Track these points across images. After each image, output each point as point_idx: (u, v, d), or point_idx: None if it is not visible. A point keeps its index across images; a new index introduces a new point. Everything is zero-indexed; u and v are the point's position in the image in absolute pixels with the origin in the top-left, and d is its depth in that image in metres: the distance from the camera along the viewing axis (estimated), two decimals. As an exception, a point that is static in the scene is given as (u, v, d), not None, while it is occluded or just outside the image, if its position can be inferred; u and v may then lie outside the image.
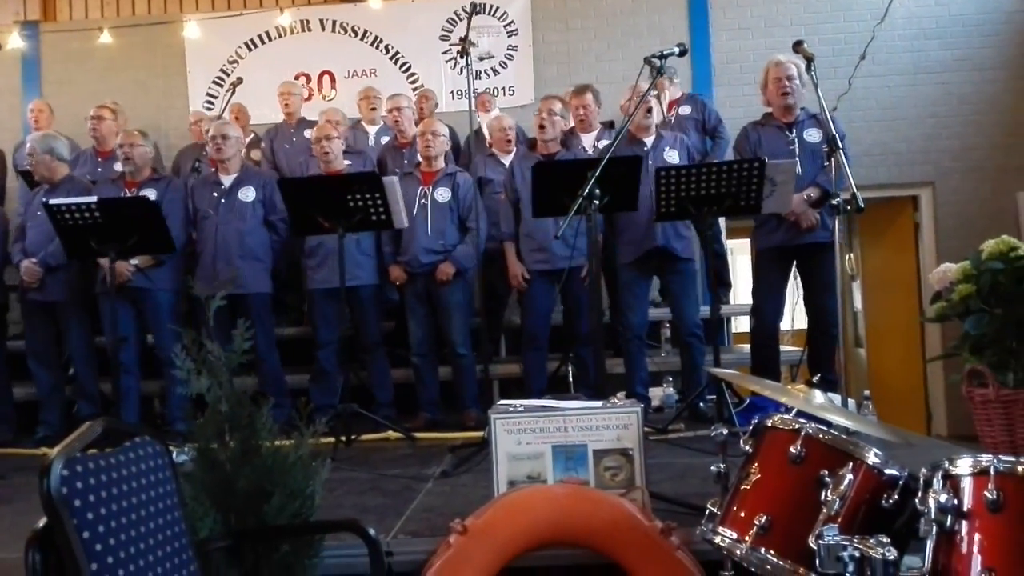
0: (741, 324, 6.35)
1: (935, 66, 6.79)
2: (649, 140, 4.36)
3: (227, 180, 4.49)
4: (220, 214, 4.41)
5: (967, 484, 1.38)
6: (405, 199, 4.32)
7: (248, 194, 4.45)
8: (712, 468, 1.89)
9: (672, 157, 4.30)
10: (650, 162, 4.15)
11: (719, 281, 5.53)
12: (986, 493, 1.34)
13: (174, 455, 1.76)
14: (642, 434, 2.50)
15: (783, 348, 4.59)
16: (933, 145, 6.80)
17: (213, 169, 4.67)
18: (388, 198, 3.79)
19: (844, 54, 6.71)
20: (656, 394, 4.70)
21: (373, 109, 5.64)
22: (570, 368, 4.77)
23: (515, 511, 2.23)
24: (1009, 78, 6.77)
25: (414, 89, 6.51)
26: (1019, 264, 2.85)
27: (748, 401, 4.00)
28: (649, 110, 4.32)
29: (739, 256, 8.40)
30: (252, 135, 5.92)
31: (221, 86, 6.83)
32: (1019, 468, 1.35)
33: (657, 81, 5.56)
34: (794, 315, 4.55)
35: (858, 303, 8.07)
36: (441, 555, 2.14)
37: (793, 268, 4.32)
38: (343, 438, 3.78)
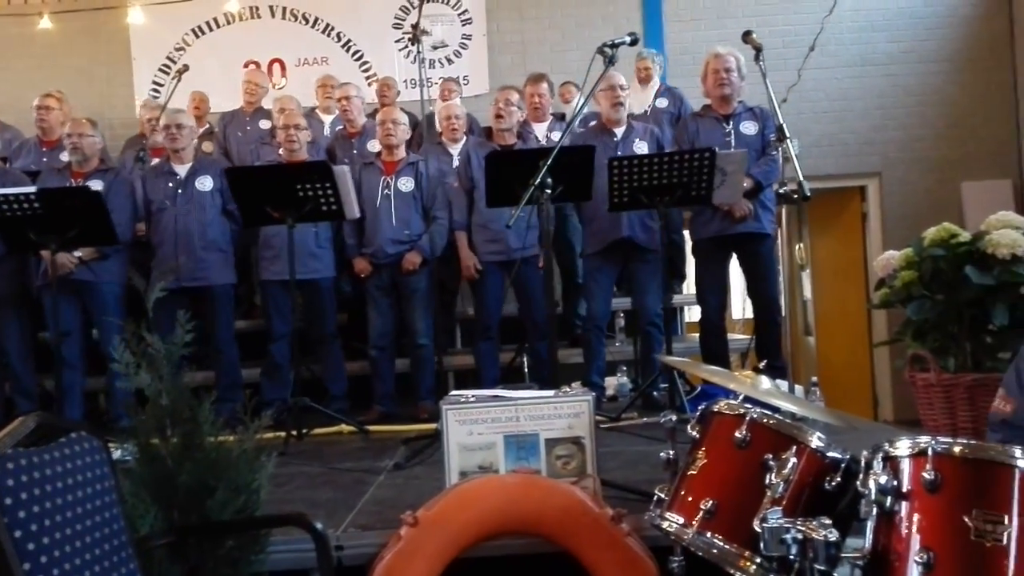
0: (695, 314, 6.43)
1: (882, 58, 6.93)
2: (620, 131, 4.38)
3: (182, 170, 4.38)
4: (178, 205, 4.31)
5: (906, 465, 1.40)
6: (368, 189, 4.28)
7: (206, 183, 4.36)
8: (661, 455, 1.89)
9: (641, 148, 4.32)
10: (619, 153, 4.16)
11: (674, 271, 5.58)
12: (924, 474, 1.36)
13: (114, 451, 1.71)
14: (593, 422, 2.50)
15: (734, 336, 4.66)
16: (880, 136, 6.95)
17: (158, 160, 4.56)
18: (339, 188, 3.73)
19: (794, 46, 6.81)
20: (610, 383, 4.73)
21: (329, 98, 5.56)
22: (525, 359, 4.77)
23: (466, 501, 2.22)
24: (953, 70, 6.94)
25: (367, 78, 6.44)
26: (960, 251, 2.92)
27: (700, 389, 4.05)
28: (620, 103, 4.33)
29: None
30: (207, 126, 5.79)
31: (168, 74, 6.66)
32: (956, 449, 1.38)
33: (647, 67, 5.61)
34: (744, 304, 4.62)
35: (808, 292, 8.22)
36: (392, 547, 2.12)
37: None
38: (294, 432, 3.72)
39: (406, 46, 6.51)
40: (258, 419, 2.03)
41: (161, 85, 6.72)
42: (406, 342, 4.53)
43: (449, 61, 6.82)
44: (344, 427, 4.04)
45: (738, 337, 4.90)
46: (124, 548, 1.63)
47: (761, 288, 4.26)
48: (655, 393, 4.24)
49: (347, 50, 6.85)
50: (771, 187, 4.07)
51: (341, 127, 5.36)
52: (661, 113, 5.51)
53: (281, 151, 4.51)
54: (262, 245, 4.49)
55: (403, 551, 2.09)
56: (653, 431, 3.46)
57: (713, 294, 4.40)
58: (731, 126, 4.25)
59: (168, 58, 6.85)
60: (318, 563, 1.79)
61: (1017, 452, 1.36)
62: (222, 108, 5.88)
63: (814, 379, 3.66)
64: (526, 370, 4.75)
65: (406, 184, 4.40)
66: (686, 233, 5.87)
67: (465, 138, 5.07)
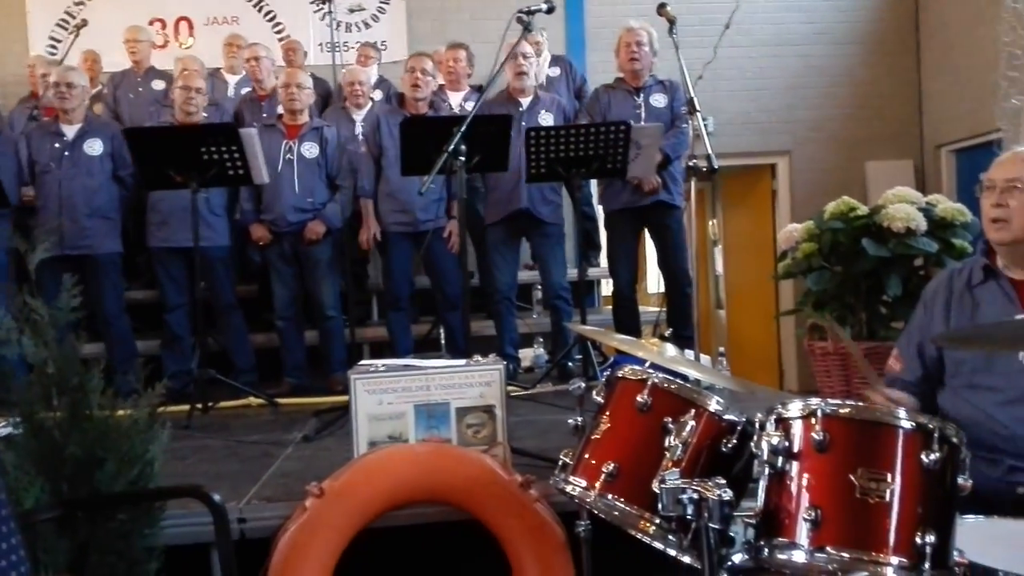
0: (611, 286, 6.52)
1: (796, 38, 7.09)
2: (525, 101, 4.36)
3: (70, 132, 4.15)
4: (63, 168, 4.09)
5: (797, 426, 1.45)
6: (268, 154, 4.14)
7: (95, 147, 4.14)
8: (570, 421, 1.91)
9: (547, 119, 4.31)
10: (523, 123, 4.14)
11: (589, 244, 5.63)
12: (813, 434, 1.40)
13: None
14: (504, 391, 2.51)
15: (646, 308, 4.74)
16: (792, 115, 7.13)
17: (48, 118, 4.30)
18: (246, 152, 3.60)
19: (711, 23, 6.89)
20: (527, 355, 4.76)
21: (235, 57, 5.34)
22: (441, 331, 4.74)
23: (374, 471, 2.19)
24: (863, 52, 7.16)
25: (280, 40, 6.21)
26: (858, 224, 3.03)
27: (613, 359, 4.11)
28: (523, 72, 4.31)
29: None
30: (100, 87, 5.49)
31: (66, 29, 6.27)
32: (843, 410, 1.42)
33: (531, 40, 5.58)
34: (660, 278, 4.69)
35: (719, 266, 8.44)
36: (296, 519, 2.08)
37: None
38: (199, 405, 3.61)
39: (321, 8, 6.30)
40: (151, 389, 1.94)
41: (59, 41, 6.34)
42: (315, 314, 4.43)
43: (367, 25, 6.63)
44: (253, 400, 3.95)
45: (651, 309, 4.98)
46: (6, 522, 1.54)
47: (671, 260, 4.33)
48: (570, 364, 4.28)
49: (259, 10, 6.58)
50: (679, 160, 4.14)
51: (249, 89, 5.17)
52: (556, 81, 5.49)
53: (176, 113, 4.30)
54: (149, 210, 4.29)
55: (308, 523, 2.05)
56: (565, 400, 3.48)
57: (624, 267, 4.46)
58: (641, 99, 4.30)
59: (66, 12, 6.45)
60: (216, 536, 1.73)
61: (901, 413, 1.42)
62: (124, 68, 5.59)
63: (721, 349, 3.77)
64: (442, 342, 4.74)
65: (310, 150, 4.27)
66: (598, 206, 5.94)
67: (371, 103, 4.95)
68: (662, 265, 4.43)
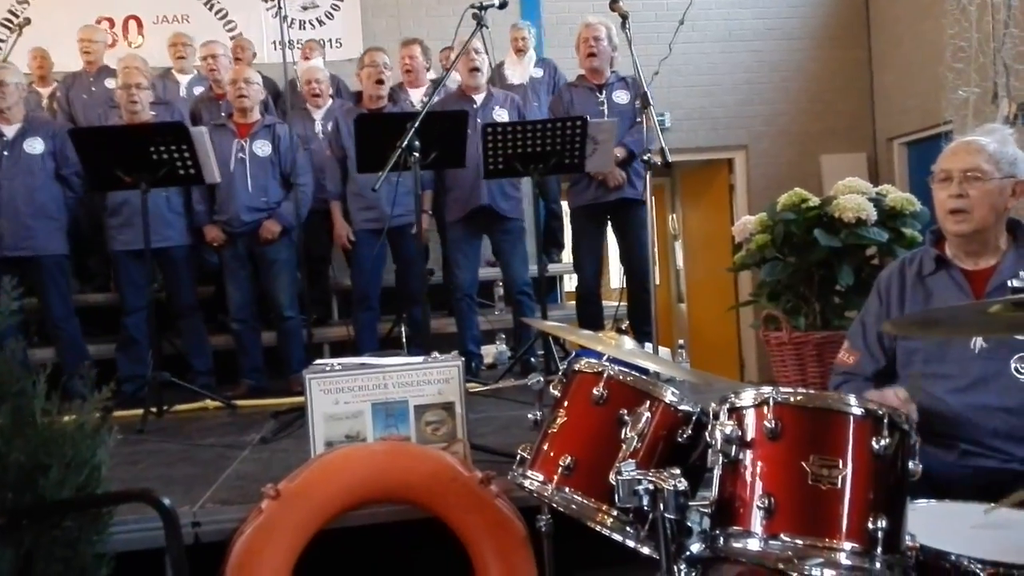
0: (574, 282, 6.54)
1: (748, 34, 7.18)
2: (479, 98, 4.34)
3: (9, 131, 4.03)
4: (3, 168, 3.98)
5: (750, 415, 1.45)
6: (220, 154, 4.07)
7: (35, 146, 4.03)
8: (529, 416, 1.90)
9: (501, 116, 4.31)
10: (478, 120, 4.13)
11: (552, 240, 5.64)
12: (765, 423, 1.41)
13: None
14: (464, 387, 2.49)
15: (609, 303, 4.75)
16: (746, 110, 7.22)
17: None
18: (197, 150, 3.53)
19: (666, 19, 6.92)
20: (489, 352, 4.75)
21: (182, 57, 5.24)
22: (403, 329, 4.71)
23: (331, 471, 2.16)
24: (814, 47, 7.28)
25: (232, 38, 6.10)
26: (810, 215, 3.07)
27: (575, 354, 4.10)
28: (476, 68, 4.30)
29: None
30: (54, 85, 5.35)
31: (9, 28, 6.10)
32: (794, 398, 1.43)
33: (522, 36, 5.55)
34: (621, 272, 4.71)
35: (680, 261, 8.52)
36: (252, 522, 2.04)
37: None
38: (153, 409, 3.53)
39: (273, 5, 6.22)
40: (98, 392, 1.89)
41: (2, 40, 6.16)
42: (272, 315, 4.37)
43: (320, 23, 6.56)
44: (210, 403, 3.87)
45: (613, 304, 5.01)
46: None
47: (634, 255, 4.35)
48: (532, 359, 4.28)
49: (210, 8, 6.47)
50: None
51: (204, 88, 5.07)
52: (537, 83, 5.51)
53: (123, 113, 4.20)
54: (110, 213, 4.20)
55: (264, 525, 2.02)
56: (526, 395, 3.44)
57: (589, 262, 4.48)
58: (604, 95, 4.31)
59: (9, 11, 6.26)
60: (167, 541, 1.69)
61: (851, 400, 1.43)
62: (71, 68, 5.45)
63: (681, 342, 3.79)
64: (404, 340, 4.71)
65: (262, 148, 4.21)
66: (564, 203, 5.95)
67: (330, 102, 4.90)
68: (624, 260, 4.45)
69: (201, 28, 6.07)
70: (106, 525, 1.81)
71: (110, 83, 5.01)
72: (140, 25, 6.41)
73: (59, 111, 5.14)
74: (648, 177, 3.21)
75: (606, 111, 4.27)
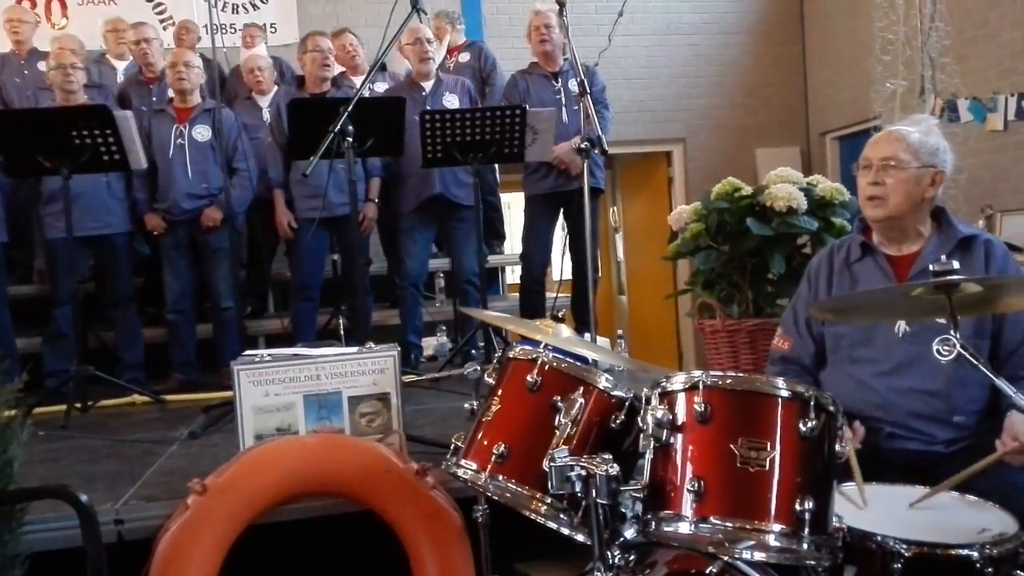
0: (516, 274, 6.52)
1: (686, 28, 7.26)
2: (428, 85, 4.28)
3: (-78, 117, 3.83)
4: None
5: (680, 399, 1.45)
6: (159, 139, 3.95)
7: None
8: (466, 405, 1.88)
9: (452, 102, 4.26)
10: (428, 107, 4.07)
11: (492, 232, 5.61)
12: (695, 406, 1.41)
13: None
14: (399, 378, 2.45)
15: (551, 294, 4.74)
16: (684, 104, 7.30)
17: None
18: (121, 135, 3.40)
19: (606, 12, 6.98)
20: (430, 343, 4.72)
21: (122, 43, 5.05)
22: (341, 321, 4.63)
23: (260, 465, 2.10)
24: (750, 42, 7.40)
25: (161, 22, 5.91)
26: (743, 204, 3.11)
27: (516, 344, 4.09)
28: (428, 58, 4.24)
29: (516, 209, 8.62)
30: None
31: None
32: (724, 382, 1.44)
33: (438, 26, 5.51)
34: (563, 264, 4.71)
35: (620, 253, 8.59)
36: (177, 518, 1.98)
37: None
38: (77, 404, 3.40)
39: (204, -12, 6.04)
40: (9, 385, 1.80)
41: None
42: (209, 306, 4.24)
43: (254, 7, 6.38)
44: (137, 398, 3.75)
45: (553, 295, 5.01)
46: None
47: (584, 244, 4.34)
48: (473, 351, 4.25)
49: (138, -11, 6.26)
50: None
51: (136, 71, 4.90)
52: (464, 68, 5.46)
53: (57, 95, 4.03)
54: (46, 201, 4.03)
55: (190, 521, 1.95)
56: (465, 386, 3.46)
57: (539, 251, 4.45)
58: (560, 83, 4.29)
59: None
60: (83, 538, 1.62)
61: (780, 383, 1.44)
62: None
63: (620, 332, 3.81)
64: (342, 332, 4.63)
65: (202, 133, 4.09)
66: (503, 195, 5.93)
67: (276, 89, 4.79)
68: (574, 250, 4.44)
69: (128, 10, 5.82)
70: (19, 524, 1.72)
71: (43, 65, 4.81)
72: (64, 5, 6.15)
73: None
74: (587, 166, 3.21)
75: (563, 99, 4.25)
